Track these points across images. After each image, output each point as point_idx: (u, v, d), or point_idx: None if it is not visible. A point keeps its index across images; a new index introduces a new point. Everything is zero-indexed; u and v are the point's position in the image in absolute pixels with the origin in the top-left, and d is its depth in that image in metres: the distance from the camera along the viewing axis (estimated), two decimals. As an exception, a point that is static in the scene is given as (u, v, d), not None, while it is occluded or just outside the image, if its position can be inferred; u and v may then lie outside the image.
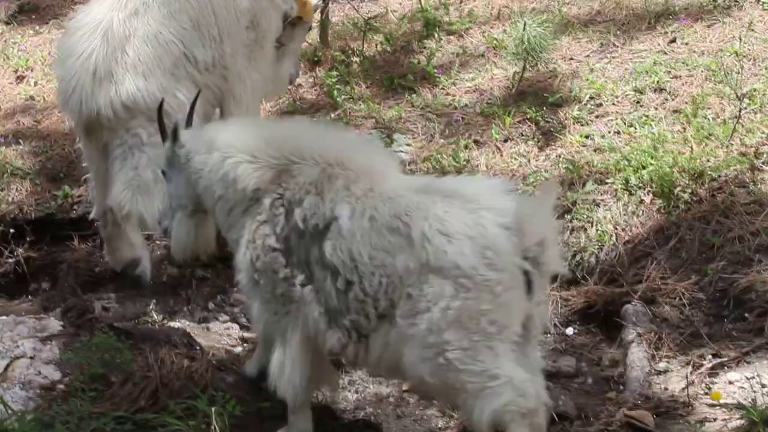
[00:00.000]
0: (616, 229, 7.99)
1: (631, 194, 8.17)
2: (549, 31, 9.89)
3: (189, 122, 6.57)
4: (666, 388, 6.67)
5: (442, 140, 9.42)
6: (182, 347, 6.88)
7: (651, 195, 8.10)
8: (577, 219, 8.14)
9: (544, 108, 9.52)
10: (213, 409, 5.89)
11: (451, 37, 11.35)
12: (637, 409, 6.41)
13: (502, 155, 9.07)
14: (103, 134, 7.90)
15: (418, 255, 5.43)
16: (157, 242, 8.65)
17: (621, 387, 6.94)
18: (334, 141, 6.14)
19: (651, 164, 8.23)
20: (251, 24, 8.41)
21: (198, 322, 7.97)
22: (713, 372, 6.69)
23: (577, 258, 7.94)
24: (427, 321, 5.40)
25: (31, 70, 11.60)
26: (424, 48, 11.14)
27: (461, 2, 12.22)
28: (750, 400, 6.18)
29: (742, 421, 6.00)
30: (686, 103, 9.12)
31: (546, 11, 11.33)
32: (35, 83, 11.28)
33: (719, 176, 8.04)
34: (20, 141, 10.02)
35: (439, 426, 6.71)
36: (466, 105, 9.97)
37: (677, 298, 7.31)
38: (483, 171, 8.77)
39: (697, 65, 9.71)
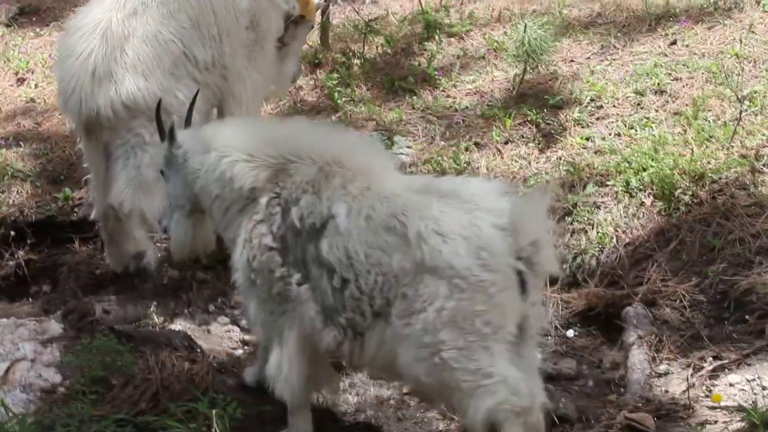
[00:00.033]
0: (617, 231, 7.99)
1: (631, 196, 8.16)
2: (549, 33, 9.90)
3: (188, 122, 6.58)
4: (667, 391, 6.67)
5: (442, 142, 9.42)
6: (183, 350, 6.88)
7: (651, 197, 8.10)
8: (577, 221, 8.15)
9: (545, 110, 9.52)
10: (214, 411, 5.90)
11: (452, 40, 11.35)
12: (638, 412, 6.41)
13: (502, 157, 9.07)
14: (103, 134, 7.90)
15: (414, 255, 5.44)
16: (158, 244, 8.64)
17: (622, 389, 6.93)
18: (332, 140, 6.14)
19: (651, 166, 8.23)
20: (251, 24, 8.41)
21: (199, 325, 7.96)
22: (714, 374, 6.68)
23: (578, 260, 7.94)
24: (422, 321, 5.41)
25: (32, 73, 11.60)
26: (425, 50, 11.14)
27: (462, 4, 12.23)
28: (751, 402, 6.18)
29: (743, 424, 6.00)
30: (687, 105, 9.11)
31: (546, 13, 11.35)
32: (36, 85, 11.29)
33: (720, 178, 8.03)
34: (21, 143, 10.02)
35: (440, 429, 6.71)
36: (467, 107, 9.97)
37: (678, 301, 7.30)
38: (484, 173, 8.77)
39: (697, 67, 9.71)
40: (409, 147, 9.38)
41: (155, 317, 7.97)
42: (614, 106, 9.41)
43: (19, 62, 11.76)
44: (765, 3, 10.71)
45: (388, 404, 6.93)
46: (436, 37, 11.33)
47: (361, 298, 5.59)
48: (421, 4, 11.98)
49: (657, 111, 9.19)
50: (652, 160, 8.31)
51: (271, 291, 5.90)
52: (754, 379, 6.46)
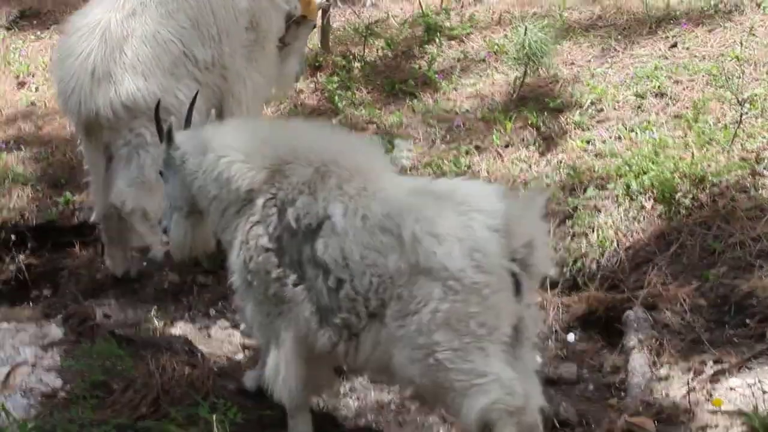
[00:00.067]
0: (617, 234, 7.98)
1: (632, 200, 8.16)
2: (550, 36, 9.92)
3: (188, 122, 6.59)
4: (667, 395, 6.66)
5: (443, 146, 9.43)
6: (183, 354, 6.89)
7: (652, 200, 8.09)
8: (578, 225, 8.14)
9: (545, 113, 9.52)
10: (214, 416, 5.88)
11: (452, 43, 11.36)
12: (639, 416, 6.40)
13: (503, 161, 9.07)
14: (103, 135, 7.94)
15: (408, 256, 5.44)
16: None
17: (622, 393, 6.91)
18: (329, 141, 6.14)
19: (652, 169, 8.22)
20: (251, 24, 8.43)
21: (199, 329, 7.97)
22: (714, 378, 6.67)
23: (578, 264, 7.93)
24: (417, 322, 5.41)
25: (33, 76, 11.63)
26: (425, 53, 11.16)
27: (462, 7, 12.25)
28: (751, 406, 6.18)
29: (744, 428, 6.01)
30: (687, 108, 9.11)
31: (547, 16, 11.36)
32: (36, 89, 11.31)
33: (720, 181, 8.02)
34: (21, 147, 10.04)
35: (440, 432, 6.72)
36: (467, 110, 9.97)
37: (678, 304, 7.29)
38: (484, 176, 8.77)
39: (698, 70, 9.70)
40: (409, 150, 9.38)
41: (156, 321, 7.98)
42: (615, 109, 9.41)
43: (19, 65, 11.79)
44: (765, 6, 10.70)
45: (389, 409, 6.92)
46: (437, 40, 11.35)
47: (357, 299, 5.59)
48: (421, 7, 11.99)
49: (657, 114, 9.19)
50: (653, 163, 8.31)
51: (267, 292, 5.90)
52: (755, 383, 6.43)
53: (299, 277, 5.78)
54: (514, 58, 9.98)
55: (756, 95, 8.99)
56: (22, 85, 11.50)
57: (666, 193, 7.99)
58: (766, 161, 8.19)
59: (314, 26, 9.91)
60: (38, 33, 12.85)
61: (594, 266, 7.89)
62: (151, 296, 8.30)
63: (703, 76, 9.59)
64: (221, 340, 7.81)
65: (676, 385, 6.72)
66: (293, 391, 5.99)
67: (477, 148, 9.30)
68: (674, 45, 10.37)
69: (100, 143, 8.00)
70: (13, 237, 8.96)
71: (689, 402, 6.46)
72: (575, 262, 7.94)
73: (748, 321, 7.10)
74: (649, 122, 9.05)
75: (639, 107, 9.35)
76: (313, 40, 11.05)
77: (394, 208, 5.58)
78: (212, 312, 8.19)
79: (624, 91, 9.60)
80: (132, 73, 7.77)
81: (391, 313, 5.50)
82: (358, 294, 5.57)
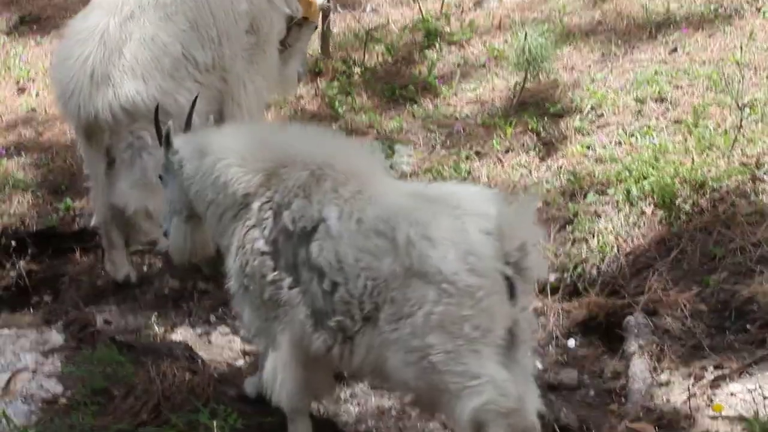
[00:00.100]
0: (618, 240, 7.98)
1: (632, 205, 8.15)
2: (550, 41, 9.93)
3: (188, 126, 6.60)
4: (668, 400, 6.65)
5: (443, 151, 9.43)
6: (184, 360, 6.88)
7: (652, 206, 8.08)
8: (578, 230, 8.13)
9: (546, 118, 9.53)
10: (215, 422, 5.90)
11: (453, 48, 11.38)
12: (639, 422, 6.41)
13: (503, 166, 9.07)
14: (104, 138, 7.95)
15: (403, 259, 5.44)
16: (159, 255, 8.66)
17: (623, 399, 6.90)
18: (324, 144, 6.15)
19: (652, 175, 8.22)
20: (251, 28, 8.44)
21: (200, 335, 7.96)
22: (715, 384, 6.66)
23: (579, 269, 7.91)
24: (411, 325, 5.41)
25: (33, 82, 11.63)
26: (425, 58, 11.17)
27: (462, 12, 12.26)
28: (752, 412, 6.18)
29: (745, 433, 6.02)
30: (687, 113, 9.11)
31: (547, 21, 11.38)
32: (37, 95, 11.31)
33: (720, 187, 8.01)
34: (22, 153, 10.04)
35: (441, 439, 6.72)
36: (468, 116, 9.98)
37: (679, 310, 7.27)
38: (484, 182, 8.76)
39: (698, 75, 9.71)
40: (409, 156, 9.38)
41: (156, 327, 7.97)
42: (615, 114, 9.41)
43: (20, 71, 11.79)
44: (765, 10, 10.72)
45: (389, 415, 6.91)
46: (437, 46, 11.36)
47: (351, 302, 5.59)
48: (421, 12, 12.00)
49: (657, 119, 9.19)
50: (653, 168, 8.31)
51: (263, 296, 5.91)
52: (756, 389, 6.43)
53: (294, 280, 5.78)
54: (515, 63, 9.97)
55: (756, 100, 9.00)
56: (22, 90, 11.50)
57: (666, 198, 7.99)
58: (766, 166, 8.18)
59: (316, 28, 9.94)
60: (38, 38, 12.86)
61: (594, 272, 7.88)
62: (152, 302, 8.30)
63: (703, 81, 9.60)
64: (222, 346, 7.81)
65: (676, 391, 6.72)
66: (291, 394, 6.00)
67: (477, 153, 9.30)
68: (674, 50, 10.39)
69: (101, 147, 8.01)
70: (13, 243, 8.94)
71: (690, 407, 6.45)
72: (576, 267, 7.93)
73: (748, 326, 7.10)
74: (649, 127, 9.05)
75: (639, 112, 9.35)
76: (314, 45, 11.05)
77: (389, 211, 5.58)
78: (213, 318, 8.18)
79: (624, 96, 9.60)
80: (131, 76, 7.78)
81: (385, 316, 5.51)
82: (353, 297, 5.57)
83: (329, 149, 6.06)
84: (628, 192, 8.20)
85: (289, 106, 10.51)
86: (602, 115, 9.45)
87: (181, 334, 7.94)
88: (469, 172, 8.97)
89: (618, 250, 7.92)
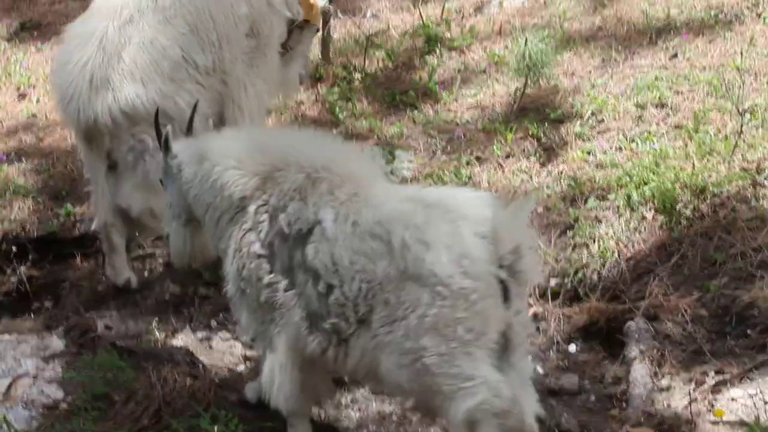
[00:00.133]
0: (618, 245, 7.97)
1: (633, 210, 8.15)
2: (550, 46, 9.93)
3: (189, 130, 6.61)
4: (669, 405, 6.65)
5: (443, 157, 9.43)
6: (185, 365, 6.86)
7: (653, 211, 8.08)
8: (579, 235, 8.13)
9: (546, 124, 9.52)
10: (216, 427, 5.90)
11: (453, 53, 11.39)
12: (640, 427, 6.41)
13: (503, 172, 9.07)
14: (104, 141, 7.97)
15: (398, 262, 5.44)
16: (160, 260, 8.66)
17: (624, 404, 6.90)
18: (321, 147, 6.16)
19: (653, 180, 8.21)
20: (251, 31, 8.45)
21: (200, 340, 7.96)
22: (716, 389, 6.65)
23: (579, 274, 7.91)
24: (404, 327, 5.42)
25: (33, 88, 11.65)
26: (426, 64, 11.18)
27: (462, 18, 12.27)
28: (753, 417, 6.17)
29: (745, 438, 6.01)
30: (688, 118, 9.10)
31: (547, 27, 11.38)
32: (37, 100, 11.33)
33: (721, 192, 8.01)
34: (22, 159, 10.05)
35: (442, 444, 6.71)
36: (468, 121, 9.98)
37: (680, 315, 7.27)
38: (485, 187, 8.76)
39: (698, 80, 9.70)
40: (410, 161, 9.38)
41: (157, 333, 7.96)
42: (615, 119, 9.41)
43: (20, 77, 11.82)
44: (766, 16, 10.72)
45: (390, 420, 6.91)
46: (437, 51, 11.37)
47: (346, 305, 5.59)
48: (421, 17, 12.01)
49: (658, 124, 9.19)
50: (654, 173, 8.30)
51: (260, 299, 5.92)
52: (756, 394, 6.42)
53: (290, 282, 5.79)
54: (515, 69, 9.98)
55: (756, 105, 8.99)
56: (23, 96, 11.52)
57: (667, 203, 7.99)
58: (766, 171, 8.17)
59: (317, 30, 9.94)
60: (39, 45, 12.89)
61: (595, 277, 7.87)
62: (153, 308, 8.30)
63: (703, 86, 9.59)
64: (223, 352, 7.80)
65: (677, 396, 6.72)
66: (288, 397, 6.00)
67: (478, 158, 9.30)
68: (675, 55, 10.39)
69: (101, 150, 8.03)
70: (14, 249, 8.93)
71: (691, 413, 6.45)
72: (576, 272, 7.92)
73: (749, 331, 7.10)
74: (649, 133, 9.05)
75: (639, 118, 9.35)
76: (314, 51, 11.06)
77: (385, 214, 5.58)
78: (213, 323, 8.17)
79: (624, 102, 9.60)
80: (130, 80, 7.81)
81: (379, 319, 5.51)
82: (348, 299, 5.58)
83: (325, 152, 6.08)
84: (629, 197, 8.19)
85: (289, 112, 10.52)
86: (603, 120, 9.45)
87: (182, 340, 7.93)
88: (469, 178, 8.97)
89: (619, 255, 7.92)
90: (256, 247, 5.90)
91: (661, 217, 8.01)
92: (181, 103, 7.85)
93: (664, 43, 10.69)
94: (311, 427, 6.23)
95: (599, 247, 7.99)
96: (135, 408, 6.22)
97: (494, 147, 9.35)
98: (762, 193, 7.97)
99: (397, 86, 10.79)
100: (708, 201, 7.97)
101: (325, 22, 10.98)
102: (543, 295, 7.81)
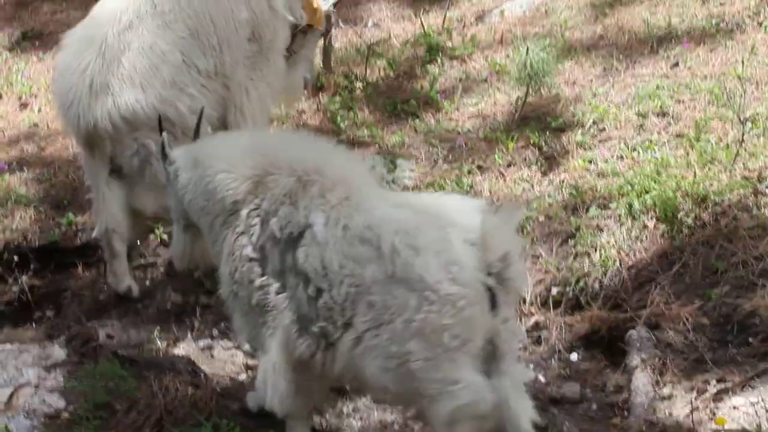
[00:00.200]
0: (620, 254, 7.97)
1: (634, 219, 8.15)
2: (552, 55, 9.94)
3: (196, 135, 6.65)
4: (670, 414, 6.65)
5: (445, 165, 9.43)
6: (186, 375, 6.85)
7: (654, 220, 8.08)
8: (580, 244, 8.12)
9: (547, 133, 9.53)
10: (217, 436, 5.90)
11: (454, 62, 11.40)
12: (642, 435, 6.42)
13: (505, 180, 9.07)
14: (105, 147, 7.97)
15: (386, 267, 5.45)
16: (162, 269, 8.66)
17: (625, 413, 6.90)
18: (313, 150, 6.18)
19: (654, 189, 8.21)
20: (253, 36, 8.44)
21: (202, 349, 7.96)
22: (718, 397, 6.66)
23: (581, 283, 7.90)
24: (390, 332, 5.43)
25: (35, 97, 11.65)
26: (427, 73, 11.19)
27: (464, 27, 12.28)
28: (755, 425, 6.18)
29: (747, 446, 6.01)
30: (689, 127, 9.10)
31: (549, 36, 11.39)
32: (39, 110, 11.33)
33: (722, 201, 8.01)
34: (24, 168, 10.04)
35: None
36: (469, 130, 9.98)
37: (681, 324, 7.27)
38: (486, 196, 8.76)
39: (699, 89, 9.70)
40: (411, 170, 9.38)
41: (159, 342, 7.98)
42: (617, 128, 9.41)
43: (22, 87, 11.83)
44: (767, 25, 10.72)
45: (392, 429, 6.91)
46: (439, 60, 11.38)
47: (334, 308, 5.60)
48: (423, 26, 12.02)
49: (659, 133, 9.19)
50: (655, 182, 8.30)
51: (252, 302, 5.95)
52: (758, 402, 6.41)
53: (281, 285, 5.82)
54: (516, 78, 9.99)
55: (758, 114, 8.99)
56: (24, 106, 11.53)
57: (668, 212, 7.99)
58: (768, 180, 8.20)
59: (321, 34, 9.96)
60: (40, 54, 12.90)
61: (597, 286, 7.87)
62: (154, 317, 8.30)
63: (704, 95, 9.59)
64: (224, 361, 7.80)
65: (679, 404, 6.72)
66: (283, 398, 5.99)
67: (479, 167, 9.30)
68: (676, 64, 10.39)
69: (103, 156, 8.03)
70: (15, 258, 8.93)
71: (692, 421, 6.45)
72: (578, 281, 7.92)
73: (751, 340, 7.09)
74: (651, 141, 9.05)
75: (641, 126, 9.35)
76: (315, 60, 11.06)
77: (375, 219, 5.60)
78: (215, 332, 8.18)
79: (626, 111, 9.60)
80: (130, 85, 7.82)
81: (366, 323, 5.52)
82: (336, 303, 5.59)
83: (318, 155, 6.10)
84: (630, 206, 8.19)
85: (290, 121, 10.52)
86: (604, 129, 9.46)
87: (183, 349, 7.93)
88: (471, 187, 8.97)
89: (620, 264, 7.91)
90: (248, 251, 5.92)
91: (662, 226, 8.00)
92: (182, 107, 7.87)
93: (666, 51, 10.70)
94: None
95: (601, 256, 7.99)
96: (137, 417, 6.21)
97: (496, 156, 9.36)
98: (763, 201, 7.97)
99: (399, 95, 10.79)
100: (709, 210, 7.97)
101: (328, 31, 10.97)
102: (545, 304, 7.82)
